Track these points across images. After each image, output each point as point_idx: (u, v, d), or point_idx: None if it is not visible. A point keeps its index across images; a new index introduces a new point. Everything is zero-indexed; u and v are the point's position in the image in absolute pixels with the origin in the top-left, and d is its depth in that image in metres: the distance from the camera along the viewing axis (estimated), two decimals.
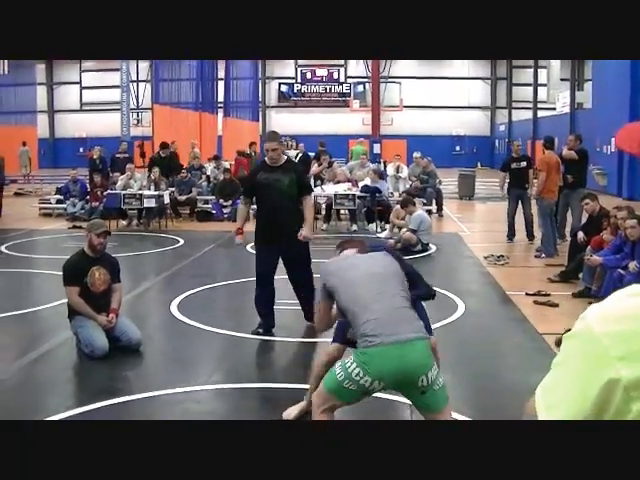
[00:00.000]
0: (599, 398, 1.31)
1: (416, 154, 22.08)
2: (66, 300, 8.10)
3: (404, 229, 15.45)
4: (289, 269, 8.90)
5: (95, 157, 23.46)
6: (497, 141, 52.20)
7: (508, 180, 16.44)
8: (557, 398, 1.38)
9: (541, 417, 1.40)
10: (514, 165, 16.05)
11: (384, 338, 4.57)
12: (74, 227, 18.82)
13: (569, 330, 5.14)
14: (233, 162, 23.83)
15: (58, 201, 21.91)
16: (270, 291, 8.69)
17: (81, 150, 45.41)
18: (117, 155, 23.39)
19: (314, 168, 22.09)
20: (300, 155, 22.93)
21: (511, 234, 16.10)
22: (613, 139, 27.15)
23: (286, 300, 9.16)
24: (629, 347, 1.30)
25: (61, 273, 8.14)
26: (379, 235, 17.32)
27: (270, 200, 8.51)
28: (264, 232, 8.63)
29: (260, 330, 8.53)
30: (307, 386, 6.00)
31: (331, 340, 6.04)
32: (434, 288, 6.25)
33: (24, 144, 34.51)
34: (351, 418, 5.57)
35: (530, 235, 15.85)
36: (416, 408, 4.95)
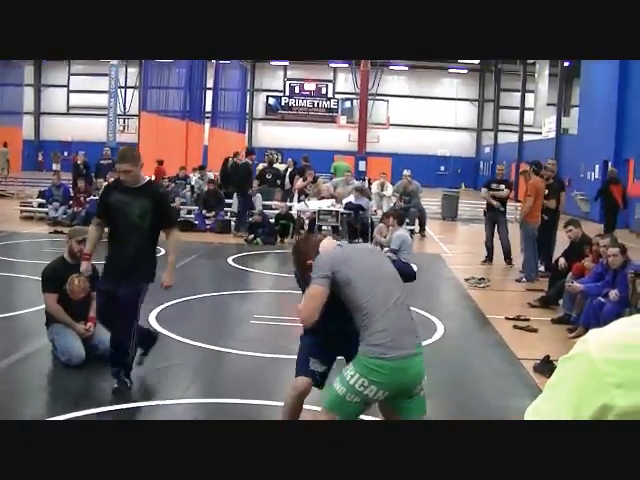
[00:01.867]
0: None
1: (406, 172, 21.99)
2: (44, 306, 8.03)
3: (386, 248, 15.43)
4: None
5: (79, 162, 23.38)
6: (482, 163, 52.44)
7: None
8: (548, 417, 1.39)
9: None
10: (494, 186, 16.15)
11: (393, 352, 4.58)
12: (55, 232, 18.68)
13: (548, 356, 5.15)
14: (154, 172, 23.39)
15: (40, 204, 21.78)
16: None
17: (66, 154, 45.23)
18: (101, 161, 23.30)
19: (298, 183, 22.11)
20: (290, 170, 22.86)
21: (489, 257, 16.14)
22: (597, 166, 27.31)
23: (264, 315, 9.12)
24: (627, 376, 1.31)
25: (40, 278, 8.07)
26: None
27: (118, 228, 6.86)
28: (108, 266, 7.03)
29: (143, 356, 7.56)
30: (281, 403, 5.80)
31: (295, 374, 5.54)
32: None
33: (5, 145, 34.29)
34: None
35: (507, 259, 15.88)
36: (397, 413, 4.87)
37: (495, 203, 15.90)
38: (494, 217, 15.97)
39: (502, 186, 16.13)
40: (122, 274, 6.79)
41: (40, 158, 48.14)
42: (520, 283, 13.86)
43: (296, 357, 5.59)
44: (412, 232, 19.38)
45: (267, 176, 22.87)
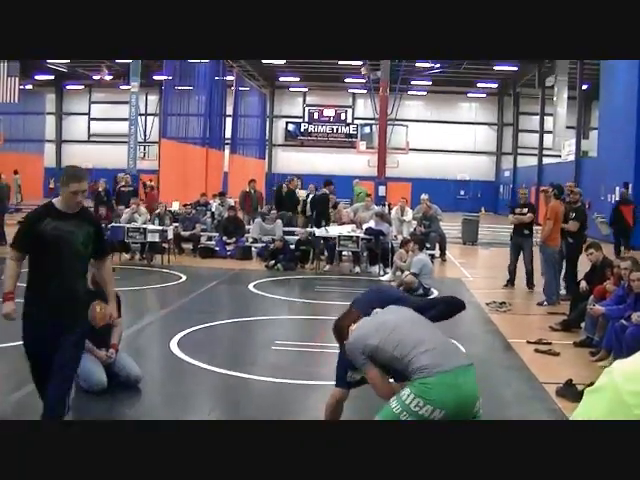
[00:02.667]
0: None
1: (424, 196, 22.00)
2: None
3: (406, 272, 15.43)
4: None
5: (100, 189, 23.52)
6: (502, 186, 52.34)
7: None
8: None
9: None
10: (517, 210, 16.08)
11: (443, 366, 4.75)
12: None
13: (570, 380, 5.13)
14: (145, 198, 23.47)
15: None
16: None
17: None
18: (122, 188, 23.45)
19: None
20: (312, 195, 22.82)
21: (511, 282, 16.08)
22: (617, 188, 27.21)
23: (285, 341, 9.11)
24: None
25: None
26: (381, 278, 17.27)
27: (58, 259, 5.85)
28: (43, 304, 5.98)
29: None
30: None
31: (334, 384, 6.08)
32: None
33: (15, 172, 34.52)
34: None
35: (530, 284, 15.82)
36: None
37: (530, 216, 15.78)
38: (519, 242, 15.90)
39: (525, 210, 16.07)
40: (66, 313, 5.92)
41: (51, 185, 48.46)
42: (542, 307, 13.80)
43: (335, 369, 6.00)
44: (432, 257, 19.35)
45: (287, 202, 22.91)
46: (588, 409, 1.39)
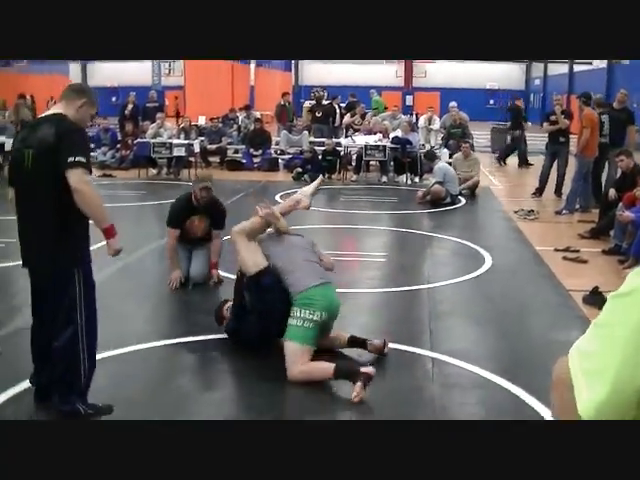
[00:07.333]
0: None
1: (452, 104, 21.63)
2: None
3: (433, 180, 15.37)
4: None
5: (130, 104, 23.10)
6: (532, 95, 51.50)
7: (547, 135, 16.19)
8: (599, 364, 1.25)
9: (576, 381, 1.28)
10: (552, 118, 15.74)
11: (314, 282, 5.92)
12: (104, 175, 18.86)
13: (597, 287, 5.02)
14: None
15: None
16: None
17: (113, 99, 45.39)
18: (147, 105, 23.27)
19: (346, 118, 22.06)
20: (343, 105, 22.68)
21: (540, 190, 15.91)
22: None
23: None
24: None
25: None
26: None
27: None
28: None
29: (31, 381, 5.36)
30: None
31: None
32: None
33: (20, 96, 33.90)
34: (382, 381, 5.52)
35: (558, 191, 15.63)
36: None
37: (566, 122, 15.53)
38: (555, 149, 15.66)
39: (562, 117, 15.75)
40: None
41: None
42: (560, 215, 13.68)
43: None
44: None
45: (317, 114, 22.74)
46: (615, 315, 1.27)
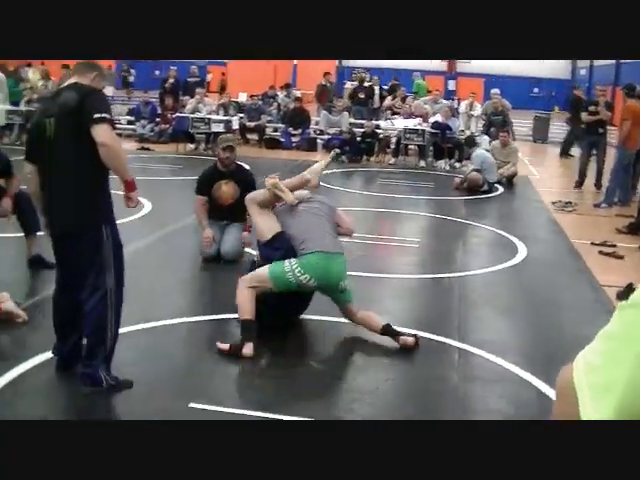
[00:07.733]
0: None
1: (494, 91, 21.35)
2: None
3: (471, 167, 15.24)
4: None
5: (171, 78, 23.15)
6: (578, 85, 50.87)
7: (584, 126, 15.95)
8: (607, 379, 1.17)
9: (581, 395, 1.20)
10: (592, 109, 15.50)
11: (319, 249, 6.05)
12: (142, 148, 18.94)
13: (631, 284, 4.86)
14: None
15: (129, 122, 21.91)
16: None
17: (157, 73, 45.51)
18: (188, 79, 23.29)
19: (386, 101, 22.00)
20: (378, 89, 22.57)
21: (580, 182, 15.70)
22: None
23: None
24: None
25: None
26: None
27: None
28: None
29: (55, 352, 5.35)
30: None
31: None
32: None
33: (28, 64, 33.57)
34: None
35: (598, 184, 15.42)
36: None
37: (608, 114, 15.30)
38: (593, 140, 15.44)
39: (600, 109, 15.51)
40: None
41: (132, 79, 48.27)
42: (599, 208, 13.49)
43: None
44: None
45: (360, 95, 22.68)
46: (623, 328, 1.18)
